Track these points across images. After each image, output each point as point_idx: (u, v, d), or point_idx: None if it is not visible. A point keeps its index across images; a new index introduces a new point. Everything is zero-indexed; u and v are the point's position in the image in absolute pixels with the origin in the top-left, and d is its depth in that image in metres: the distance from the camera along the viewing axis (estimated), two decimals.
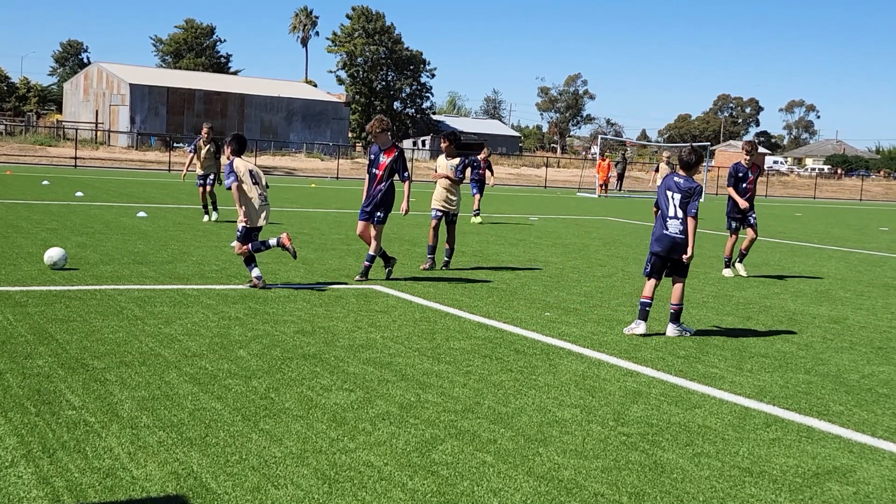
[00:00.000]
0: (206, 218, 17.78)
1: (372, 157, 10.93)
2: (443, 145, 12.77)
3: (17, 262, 10.80)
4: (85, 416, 5.22)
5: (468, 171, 22.42)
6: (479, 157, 22.84)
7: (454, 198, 12.55)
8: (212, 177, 17.88)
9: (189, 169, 18.56)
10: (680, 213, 8.42)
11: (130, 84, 72.56)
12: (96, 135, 66.09)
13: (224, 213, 18.54)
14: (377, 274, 11.32)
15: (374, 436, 5.17)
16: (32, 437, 4.80)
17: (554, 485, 4.58)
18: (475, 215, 21.63)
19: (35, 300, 8.53)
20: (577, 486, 4.58)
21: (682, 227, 8.41)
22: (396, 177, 10.95)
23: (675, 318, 8.61)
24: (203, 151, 17.97)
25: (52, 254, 10.37)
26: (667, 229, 8.47)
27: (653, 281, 8.60)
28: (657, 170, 29.52)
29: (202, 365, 6.51)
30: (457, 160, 12.68)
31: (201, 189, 17.95)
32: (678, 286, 8.58)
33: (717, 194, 56.59)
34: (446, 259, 12.70)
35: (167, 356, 6.71)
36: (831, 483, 4.87)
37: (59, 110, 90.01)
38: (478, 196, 22.37)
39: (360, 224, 10.96)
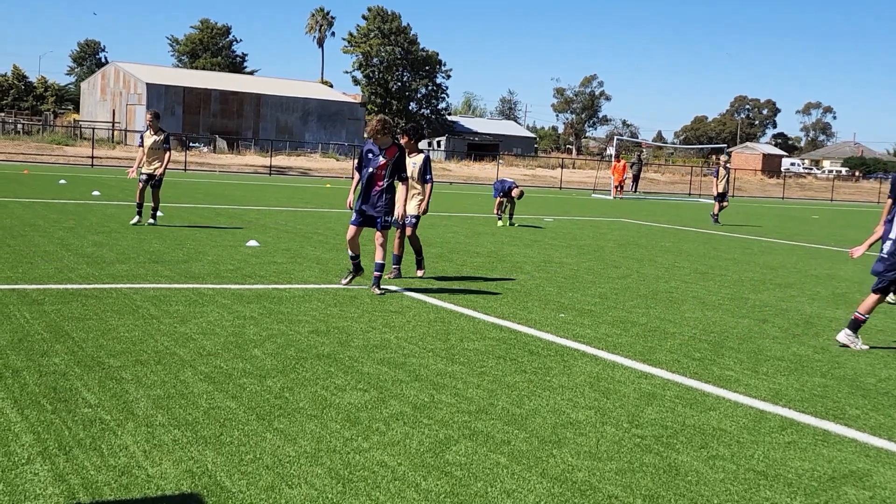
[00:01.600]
0: (136, 219, 15.82)
1: (369, 155, 10.00)
2: (402, 141, 10.71)
3: (34, 260, 10.87)
4: (101, 413, 5.25)
5: (500, 194, 21.72)
6: (513, 190, 21.37)
7: (415, 201, 11.28)
8: (157, 177, 16.19)
9: (139, 167, 16.31)
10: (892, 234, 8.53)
11: (147, 84, 72.95)
12: (113, 134, 66.44)
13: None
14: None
15: (387, 436, 5.17)
16: (48, 435, 4.83)
17: (568, 486, 4.57)
18: (499, 218, 21.47)
19: (51, 298, 8.58)
20: (591, 488, 4.57)
21: (889, 249, 8.49)
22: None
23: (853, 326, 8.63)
24: (150, 142, 16.20)
25: None
26: (882, 250, 8.61)
27: (875, 297, 8.53)
28: (716, 174, 27.96)
29: (217, 364, 6.54)
30: (420, 157, 11.31)
31: (141, 185, 16.01)
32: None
33: (733, 195, 56.35)
34: (416, 263, 11.62)
35: (182, 355, 6.74)
36: (847, 487, 4.84)
37: (77, 110, 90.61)
38: (509, 209, 21.56)
39: (353, 229, 10.07)
